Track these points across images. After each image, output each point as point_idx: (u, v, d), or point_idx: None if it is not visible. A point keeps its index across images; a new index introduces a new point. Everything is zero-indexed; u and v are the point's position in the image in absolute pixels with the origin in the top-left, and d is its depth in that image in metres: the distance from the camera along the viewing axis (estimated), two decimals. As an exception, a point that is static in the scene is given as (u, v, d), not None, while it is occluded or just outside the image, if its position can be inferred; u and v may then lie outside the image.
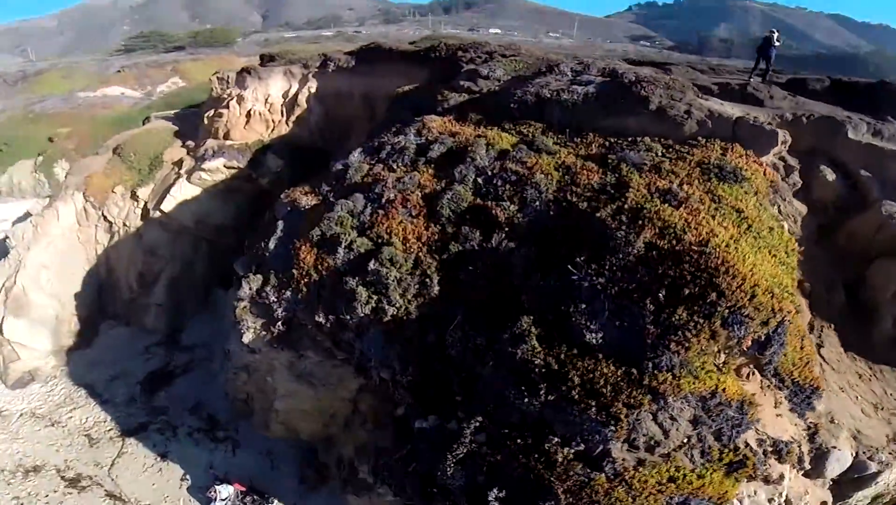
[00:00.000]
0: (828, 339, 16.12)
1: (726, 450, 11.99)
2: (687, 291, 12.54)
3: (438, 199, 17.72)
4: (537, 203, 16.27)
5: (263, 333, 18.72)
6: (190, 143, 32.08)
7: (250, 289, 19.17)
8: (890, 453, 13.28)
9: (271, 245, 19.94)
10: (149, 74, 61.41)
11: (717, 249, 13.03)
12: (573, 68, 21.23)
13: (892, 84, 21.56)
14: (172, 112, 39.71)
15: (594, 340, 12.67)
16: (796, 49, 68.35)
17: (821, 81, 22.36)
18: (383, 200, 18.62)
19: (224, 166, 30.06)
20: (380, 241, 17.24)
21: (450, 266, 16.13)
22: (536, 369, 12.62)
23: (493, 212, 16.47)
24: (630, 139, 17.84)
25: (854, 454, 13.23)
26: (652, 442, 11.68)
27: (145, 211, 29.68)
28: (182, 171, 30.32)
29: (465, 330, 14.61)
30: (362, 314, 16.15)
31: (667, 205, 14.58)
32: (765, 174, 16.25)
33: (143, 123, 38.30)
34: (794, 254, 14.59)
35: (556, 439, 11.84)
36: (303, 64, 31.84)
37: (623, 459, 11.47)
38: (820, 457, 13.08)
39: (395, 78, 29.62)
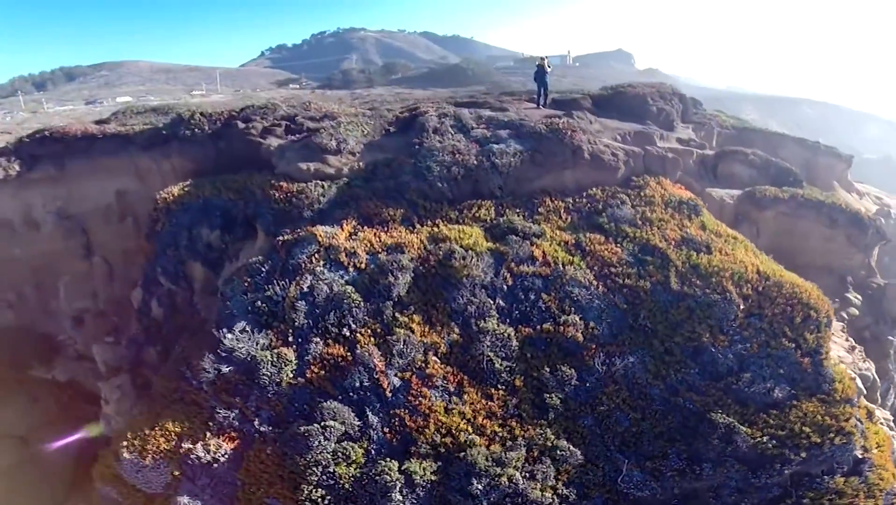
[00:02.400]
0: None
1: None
2: (798, 319, 14.35)
3: (469, 354, 13.97)
4: (596, 301, 14.94)
5: None
6: None
7: None
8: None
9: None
10: None
11: (776, 275, 15.18)
12: (450, 124, 18.94)
13: (624, 91, 27.80)
14: None
15: (780, 395, 13.27)
16: (415, 68, 77.54)
17: (585, 99, 26.88)
18: (387, 394, 13.31)
19: None
20: (444, 450, 12.51)
21: (565, 420, 13.37)
22: (769, 444, 12.36)
23: (566, 334, 14.26)
24: (587, 194, 17.81)
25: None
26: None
27: None
28: None
29: (645, 466, 12.81)
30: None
31: (702, 254, 15.75)
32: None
33: None
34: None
35: (825, 477, 12.31)
36: None
37: (864, 455, 12.89)
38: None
39: (118, 178, 20.03)
